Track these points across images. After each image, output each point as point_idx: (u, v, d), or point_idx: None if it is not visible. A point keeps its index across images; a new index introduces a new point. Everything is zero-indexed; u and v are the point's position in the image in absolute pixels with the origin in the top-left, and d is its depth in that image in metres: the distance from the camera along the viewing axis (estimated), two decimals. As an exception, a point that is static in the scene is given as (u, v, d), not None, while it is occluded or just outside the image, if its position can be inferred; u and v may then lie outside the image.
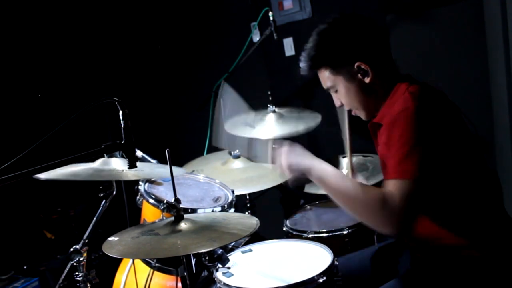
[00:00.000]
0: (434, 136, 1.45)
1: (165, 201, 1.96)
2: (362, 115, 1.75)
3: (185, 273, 1.59)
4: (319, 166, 1.58)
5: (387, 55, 1.69)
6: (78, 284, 1.79)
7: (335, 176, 1.56)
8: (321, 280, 1.58)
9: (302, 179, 1.64)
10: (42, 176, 1.57)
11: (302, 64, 1.74)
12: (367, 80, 1.64)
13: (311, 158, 1.62)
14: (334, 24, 1.69)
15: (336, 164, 2.71)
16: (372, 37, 1.66)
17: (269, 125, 2.64)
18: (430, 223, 1.59)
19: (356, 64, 1.63)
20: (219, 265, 1.68)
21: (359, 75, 1.64)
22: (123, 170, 1.74)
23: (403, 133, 1.45)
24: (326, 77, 1.71)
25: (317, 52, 1.69)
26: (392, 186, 1.42)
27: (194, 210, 1.98)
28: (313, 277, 1.58)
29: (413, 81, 1.64)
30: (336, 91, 1.73)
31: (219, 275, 1.69)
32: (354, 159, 2.71)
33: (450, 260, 1.58)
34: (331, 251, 1.74)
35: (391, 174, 1.45)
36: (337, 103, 1.78)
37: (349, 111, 1.84)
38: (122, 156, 1.67)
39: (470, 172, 1.57)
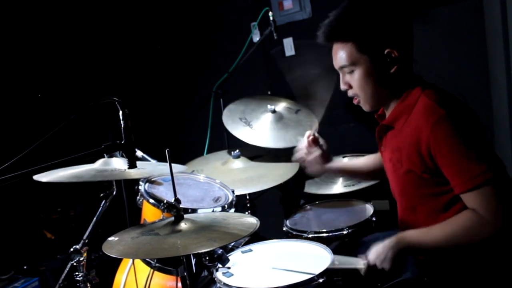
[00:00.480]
0: (476, 134, 1.45)
1: (165, 201, 1.96)
2: (367, 105, 1.65)
3: (185, 273, 1.59)
4: (407, 241, 1.55)
5: (412, 49, 1.61)
6: (78, 284, 1.79)
7: (422, 237, 1.53)
8: (321, 280, 1.58)
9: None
10: (45, 179, 1.57)
11: (323, 31, 1.60)
12: (392, 70, 1.56)
13: (392, 242, 1.56)
14: (375, 1, 1.56)
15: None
16: (406, 25, 1.57)
17: (265, 130, 2.60)
18: (426, 222, 1.59)
19: (387, 50, 1.53)
20: (219, 265, 1.68)
21: (385, 62, 1.55)
22: (125, 169, 1.73)
23: (452, 143, 1.43)
24: (347, 54, 1.57)
25: (347, 22, 1.55)
26: (473, 199, 1.43)
27: (194, 210, 1.98)
28: (313, 277, 1.58)
29: (426, 85, 1.59)
30: (351, 72, 1.60)
31: (219, 275, 1.69)
32: (354, 159, 2.71)
33: (452, 261, 1.58)
34: (331, 251, 1.73)
35: (463, 186, 1.43)
36: (343, 85, 1.66)
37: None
38: (122, 156, 1.67)
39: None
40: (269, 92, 2.86)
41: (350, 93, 1.67)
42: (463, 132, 1.44)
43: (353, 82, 1.62)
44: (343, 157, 2.74)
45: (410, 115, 1.56)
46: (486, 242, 1.46)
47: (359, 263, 1.62)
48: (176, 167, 1.78)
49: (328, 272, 1.61)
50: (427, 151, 1.48)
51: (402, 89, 1.61)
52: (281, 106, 2.76)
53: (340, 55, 1.59)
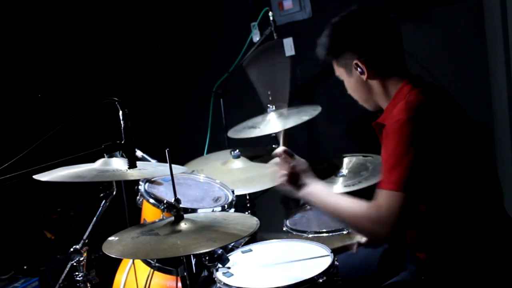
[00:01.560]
0: (427, 146, 1.45)
1: (165, 201, 1.96)
2: (365, 106, 1.78)
3: (185, 273, 1.59)
4: (315, 186, 1.65)
5: (394, 54, 1.67)
6: (78, 284, 1.78)
7: (327, 194, 1.63)
8: (321, 280, 1.58)
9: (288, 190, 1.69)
10: (46, 178, 1.57)
11: (318, 51, 1.76)
12: (363, 77, 1.65)
13: (310, 177, 1.68)
14: (346, 16, 1.69)
15: (336, 164, 2.72)
16: (379, 34, 1.64)
17: (272, 123, 2.65)
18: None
19: (355, 61, 1.64)
20: (219, 265, 1.68)
21: (357, 71, 1.66)
22: (126, 170, 1.74)
23: (394, 144, 1.47)
24: (335, 68, 1.75)
25: (325, 42, 1.71)
26: (381, 197, 1.46)
27: (194, 210, 1.98)
28: (313, 277, 1.58)
29: (419, 83, 1.62)
30: (344, 81, 1.77)
31: (219, 275, 1.69)
32: (354, 159, 2.72)
33: (450, 260, 1.58)
34: (331, 251, 1.74)
35: (381, 183, 1.48)
36: (348, 92, 1.81)
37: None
38: (122, 156, 1.67)
39: (470, 174, 1.57)
40: (269, 92, 2.86)
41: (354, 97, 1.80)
42: (411, 142, 1.45)
43: (349, 90, 1.77)
44: (343, 157, 2.74)
45: (392, 113, 1.61)
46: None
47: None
48: (176, 168, 1.78)
49: (329, 271, 1.61)
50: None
51: (391, 90, 1.66)
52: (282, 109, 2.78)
53: (337, 68, 1.75)
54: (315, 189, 1.65)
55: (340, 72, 1.73)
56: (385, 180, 1.47)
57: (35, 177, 1.50)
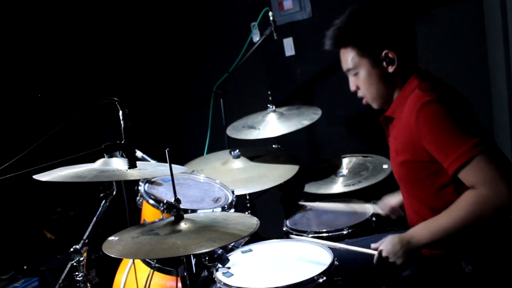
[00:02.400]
0: (462, 115, 1.48)
1: (165, 202, 1.96)
2: (375, 103, 1.74)
3: (185, 273, 1.59)
4: (418, 237, 1.56)
5: (414, 47, 1.69)
6: (78, 284, 1.79)
7: (431, 229, 1.54)
8: (321, 280, 1.58)
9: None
10: (47, 178, 1.57)
11: (328, 40, 1.70)
12: (390, 69, 1.63)
13: (405, 239, 1.57)
14: (370, 6, 1.65)
15: (336, 164, 2.72)
16: (404, 26, 1.65)
17: (272, 124, 2.65)
18: (426, 211, 1.60)
19: (384, 51, 1.61)
20: (219, 265, 1.68)
21: (384, 63, 1.63)
22: (126, 170, 1.73)
23: (436, 126, 1.46)
24: (350, 58, 1.68)
25: (348, 29, 1.65)
26: (468, 175, 1.42)
27: (194, 211, 1.98)
28: (313, 277, 1.58)
29: (427, 77, 1.64)
30: (356, 74, 1.71)
31: (219, 275, 1.69)
32: (354, 159, 2.72)
33: (451, 260, 1.58)
34: (331, 251, 1.74)
35: (453, 165, 1.44)
36: (352, 87, 1.76)
37: None
38: (122, 156, 1.67)
39: None
40: (269, 92, 2.86)
41: (359, 93, 1.76)
42: (447, 115, 1.46)
43: (359, 83, 1.72)
44: (343, 157, 2.74)
45: (405, 105, 1.61)
46: (496, 216, 1.44)
47: (371, 251, 1.65)
48: (176, 168, 1.77)
49: (329, 271, 1.61)
50: (417, 138, 1.52)
51: (403, 83, 1.67)
52: (282, 109, 2.78)
53: (345, 59, 1.70)
54: (422, 235, 1.55)
55: (360, 64, 1.66)
56: (456, 159, 1.43)
57: (35, 177, 1.50)
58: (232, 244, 1.95)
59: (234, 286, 1.61)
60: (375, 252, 1.63)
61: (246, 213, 2.68)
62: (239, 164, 2.57)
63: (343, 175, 2.62)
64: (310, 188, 2.58)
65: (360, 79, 1.69)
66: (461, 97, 1.59)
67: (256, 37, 3.34)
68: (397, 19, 1.64)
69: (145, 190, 2.08)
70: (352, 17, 1.65)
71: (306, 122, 2.61)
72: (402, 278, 1.68)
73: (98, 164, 1.71)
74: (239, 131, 2.70)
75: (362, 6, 1.66)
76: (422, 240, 1.55)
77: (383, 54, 1.62)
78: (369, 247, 1.70)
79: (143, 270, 2.10)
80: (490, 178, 1.40)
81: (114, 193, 1.88)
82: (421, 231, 1.56)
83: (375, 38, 1.62)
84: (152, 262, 1.92)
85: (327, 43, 1.71)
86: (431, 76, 1.66)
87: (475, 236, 1.56)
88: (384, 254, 1.59)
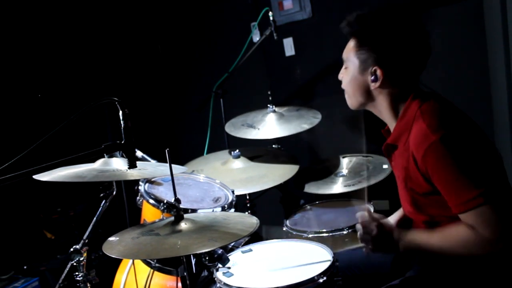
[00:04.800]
0: (469, 155, 1.43)
1: (165, 201, 1.96)
2: (348, 102, 1.70)
3: (185, 273, 1.59)
4: (407, 241, 1.56)
5: (416, 72, 1.60)
6: (78, 284, 1.79)
7: (423, 242, 1.54)
8: (321, 280, 1.58)
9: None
10: (46, 178, 1.57)
11: (346, 22, 1.61)
12: (372, 86, 1.58)
13: (396, 235, 1.57)
14: (393, 14, 1.56)
15: (336, 164, 2.72)
16: (413, 52, 1.55)
17: (271, 125, 2.65)
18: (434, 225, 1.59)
19: (374, 67, 1.55)
20: (219, 265, 1.68)
21: (370, 75, 1.58)
22: (126, 170, 1.73)
23: (443, 169, 1.43)
24: (348, 49, 1.62)
25: (362, 24, 1.57)
26: (469, 220, 1.42)
27: (194, 211, 1.98)
28: (313, 277, 1.58)
29: (424, 96, 1.56)
30: (346, 67, 1.66)
31: (219, 275, 1.69)
32: (354, 159, 2.72)
33: (452, 260, 1.58)
34: (331, 251, 1.74)
35: (457, 208, 1.44)
36: (340, 76, 1.71)
37: None
38: (122, 156, 1.67)
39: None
40: (269, 92, 2.86)
41: (342, 85, 1.71)
42: (454, 157, 1.42)
43: (344, 76, 1.68)
44: (343, 157, 2.74)
45: (410, 133, 1.55)
46: (487, 257, 1.47)
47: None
48: (176, 168, 1.77)
49: (329, 271, 1.61)
50: (426, 174, 1.49)
51: (392, 105, 1.61)
52: (282, 109, 2.78)
53: (347, 47, 1.65)
54: (412, 241, 1.56)
55: (350, 58, 1.61)
56: (460, 205, 1.42)
57: (36, 177, 1.50)
58: (232, 244, 1.95)
59: (234, 286, 1.61)
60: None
61: (246, 213, 2.68)
62: (239, 164, 2.57)
63: (343, 175, 2.62)
64: (310, 188, 2.58)
65: (346, 73, 1.66)
66: (470, 126, 1.52)
67: (256, 37, 3.35)
68: (409, 44, 1.55)
69: (145, 190, 2.09)
70: (372, 13, 1.57)
71: (306, 126, 2.60)
72: (402, 281, 1.67)
73: (98, 164, 1.71)
74: (238, 128, 2.69)
75: (386, 11, 1.57)
76: (408, 244, 1.55)
77: (372, 68, 1.56)
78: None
79: (143, 270, 2.10)
80: (490, 227, 1.39)
81: (114, 193, 1.88)
82: (412, 236, 1.56)
83: (375, 48, 1.55)
84: (152, 262, 1.92)
85: (344, 25, 1.64)
86: (427, 94, 1.58)
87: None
88: (374, 232, 1.57)
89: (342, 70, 1.69)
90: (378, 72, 1.55)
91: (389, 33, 1.54)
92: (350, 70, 1.63)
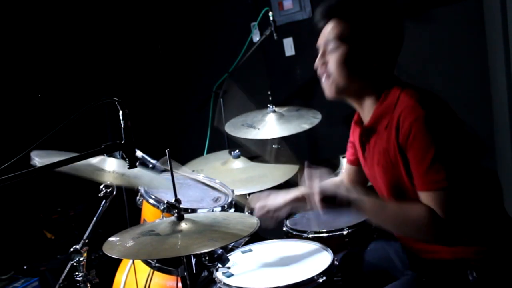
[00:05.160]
0: (450, 140, 1.46)
1: (165, 201, 1.96)
2: (332, 87, 1.63)
3: (185, 273, 1.59)
4: (359, 201, 1.54)
5: (397, 55, 1.63)
6: (78, 284, 1.79)
7: (375, 205, 1.55)
8: (321, 280, 1.58)
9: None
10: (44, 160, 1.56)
11: (328, 5, 1.61)
12: (370, 64, 1.58)
13: (346, 193, 1.56)
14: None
15: (336, 164, 2.72)
16: (400, 31, 1.60)
17: (271, 125, 2.65)
18: None
19: (373, 46, 1.56)
20: (219, 265, 1.68)
21: (368, 55, 1.57)
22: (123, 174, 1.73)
23: (421, 144, 1.45)
24: (340, 30, 1.57)
25: (356, 5, 1.58)
26: (426, 199, 1.45)
27: (194, 211, 1.98)
28: (313, 277, 1.58)
29: (403, 84, 1.59)
30: (335, 49, 1.59)
31: (219, 275, 1.69)
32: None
33: (451, 261, 1.58)
34: (331, 251, 1.74)
35: (422, 186, 1.46)
36: (318, 62, 1.65)
37: None
38: (122, 157, 1.67)
39: (473, 172, 1.56)
40: (269, 92, 2.86)
41: (321, 71, 1.66)
42: (436, 136, 1.44)
43: (331, 59, 1.61)
44: (343, 157, 2.74)
45: (392, 114, 1.55)
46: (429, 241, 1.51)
47: None
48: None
49: (329, 271, 1.61)
50: (404, 146, 1.50)
51: (378, 89, 1.61)
52: (282, 109, 2.78)
53: (333, 29, 1.60)
54: (365, 204, 1.54)
55: (346, 39, 1.56)
56: (425, 181, 1.45)
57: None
58: (232, 244, 1.95)
59: (234, 286, 1.61)
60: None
61: (246, 213, 2.68)
62: (239, 164, 2.57)
63: (343, 175, 2.62)
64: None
65: (336, 56, 1.59)
66: (449, 110, 1.54)
67: (256, 37, 3.35)
68: (398, 20, 1.60)
69: (145, 190, 2.09)
70: None
71: (306, 126, 2.60)
72: (403, 283, 1.67)
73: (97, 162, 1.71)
74: (238, 128, 2.69)
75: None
76: (360, 207, 1.53)
77: (371, 47, 1.56)
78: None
79: (143, 270, 2.10)
80: (445, 209, 1.42)
81: (114, 193, 1.89)
82: (366, 202, 1.54)
83: (375, 27, 1.57)
84: (152, 262, 1.92)
85: (321, 11, 1.62)
86: (406, 83, 1.61)
87: (481, 244, 1.55)
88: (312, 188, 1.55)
89: (324, 56, 1.63)
90: (374, 52, 1.56)
91: (380, 9, 1.58)
92: (344, 51, 1.58)
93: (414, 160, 1.48)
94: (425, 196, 1.46)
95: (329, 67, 1.62)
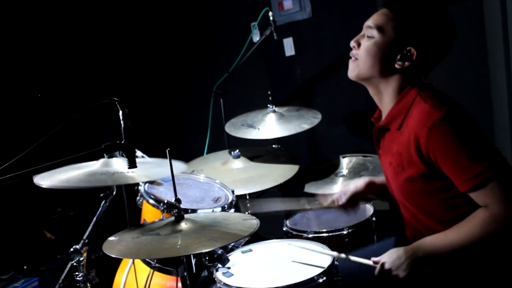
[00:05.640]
0: (473, 133, 1.47)
1: (165, 202, 1.96)
2: (355, 70, 1.63)
3: (185, 273, 1.59)
4: (424, 249, 1.54)
5: (432, 67, 1.64)
6: (78, 284, 1.79)
7: (439, 243, 1.53)
8: (321, 280, 1.58)
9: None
10: (45, 183, 1.57)
11: None
12: (399, 64, 1.57)
13: (410, 250, 1.55)
14: (439, 7, 1.62)
15: (336, 164, 2.72)
16: (447, 45, 1.63)
17: (271, 125, 2.65)
18: (433, 224, 1.59)
19: (411, 47, 1.55)
20: (219, 265, 1.68)
21: (400, 54, 1.56)
22: (127, 172, 1.72)
23: (449, 145, 1.44)
24: (384, 20, 1.57)
25: (408, 3, 1.59)
26: (480, 197, 1.44)
27: (194, 211, 1.98)
28: (313, 277, 1.58)
29: (422, 85, 1.59)
30: (371, 36, 1.59)
31: (219, 275, 1.69)
32: (354, 159, 2.72)
33: (451, 260, 1.58)
34: (331, 251, 1.74)
35: (465, 185, 1.45)
36: (353, 43, 1.64)
37: None
38: (122, 156, 1.67)
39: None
40: (269, 92, 2.86)
41: (353, 52, 1.66)
42: (460, 133, 1.44)
43: (364, 44, 1.61)
44: (343, 157, 2.74)
45: (406, 117, 1.57)
46: (503, 235, 1.47)
47: (372, 262, 1.62)
48: (177, 165, 1.77)
49: (329, 271, 1.61)
50: (427, 155, 1.49)
51: (399, 88, 1.61)
52: (282, 109, 2.78)
53: (379, 17, 1.60)
54: (428, 247, 1.54)
55: (384, 29, 1.56)
56: (468, 180, 1.44)
57: (37, 182, 1.50)
58: (232, 244, 1.95)
59: (234, 286, 1.61)
60: (377, 265, 1.59)
61: (246, 213, 2.68)
62: (239, 164, 2.57)
63: (343, 175, 2.62)
64: (310, 188, 2.58)
65: (369, 42, 1.59)
66: (468, 112, 1.55)
67: (256, 37, 3.35)
68: (447, 32, 1.62)
69: (145, 190, 2.08)
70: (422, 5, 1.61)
71: (306, 126, 2.60)
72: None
73: (98, 165, 1.71)
74: (238, 128, 2.69)
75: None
76: (428, 252, 1.53)
77: (407, 47, 1.56)
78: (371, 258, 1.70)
79: (143, 270, 2.10)
80: (502, 202, 1.41)
81: (114, 193, 1.88)
82: (427, 243, 1.54)
83: (419, 30, 1.56)
84: (152, 262, 1.92)
85: None
86: (425, 84, 1.61)
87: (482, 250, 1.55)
88: (387, 266, 1.56)
89: (362, 38, 1.63)
90: (413, 52, 1.55)
91: (432, 17, 1.59)
92: (378, 41, 1.58)
93: (447, 165, 1.46)
94: (477, 196, 1.44)
95: (360, 50, 1.62)
